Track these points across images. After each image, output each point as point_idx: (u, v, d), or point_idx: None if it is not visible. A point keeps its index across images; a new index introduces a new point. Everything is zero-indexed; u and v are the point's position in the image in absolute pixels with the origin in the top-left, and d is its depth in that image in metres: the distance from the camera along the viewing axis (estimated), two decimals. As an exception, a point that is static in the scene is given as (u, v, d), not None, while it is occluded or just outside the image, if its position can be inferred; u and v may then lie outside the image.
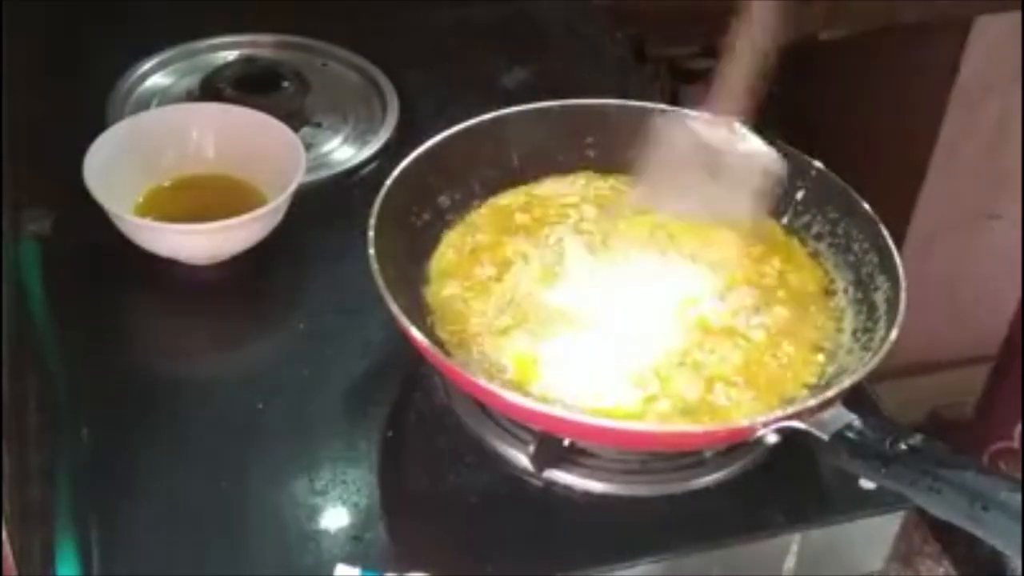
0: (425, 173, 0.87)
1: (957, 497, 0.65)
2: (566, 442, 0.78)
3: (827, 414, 0.72)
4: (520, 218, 0.90)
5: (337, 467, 0.80)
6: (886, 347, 0.76)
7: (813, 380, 0.80)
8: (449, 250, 0.88)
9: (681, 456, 0.80)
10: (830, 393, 0.73)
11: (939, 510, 0.66)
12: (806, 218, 0.90)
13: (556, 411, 0.75)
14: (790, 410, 0.73)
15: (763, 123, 0.92)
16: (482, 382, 0.75)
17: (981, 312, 1.77)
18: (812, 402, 0.73)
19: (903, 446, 0.68)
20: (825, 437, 0.71)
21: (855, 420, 0.71)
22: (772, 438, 0.72)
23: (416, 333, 0.75)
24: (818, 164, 0.90)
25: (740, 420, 0.76)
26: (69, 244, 0.93)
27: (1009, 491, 0.63)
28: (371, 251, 0.79)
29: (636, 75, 1.21)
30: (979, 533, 0.63)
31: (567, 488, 0.79)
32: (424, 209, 0.88)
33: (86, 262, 0.92)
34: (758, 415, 0.74)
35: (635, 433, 0.76)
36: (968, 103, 1.55)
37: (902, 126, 1.59)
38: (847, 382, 0.74)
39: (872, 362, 0.75)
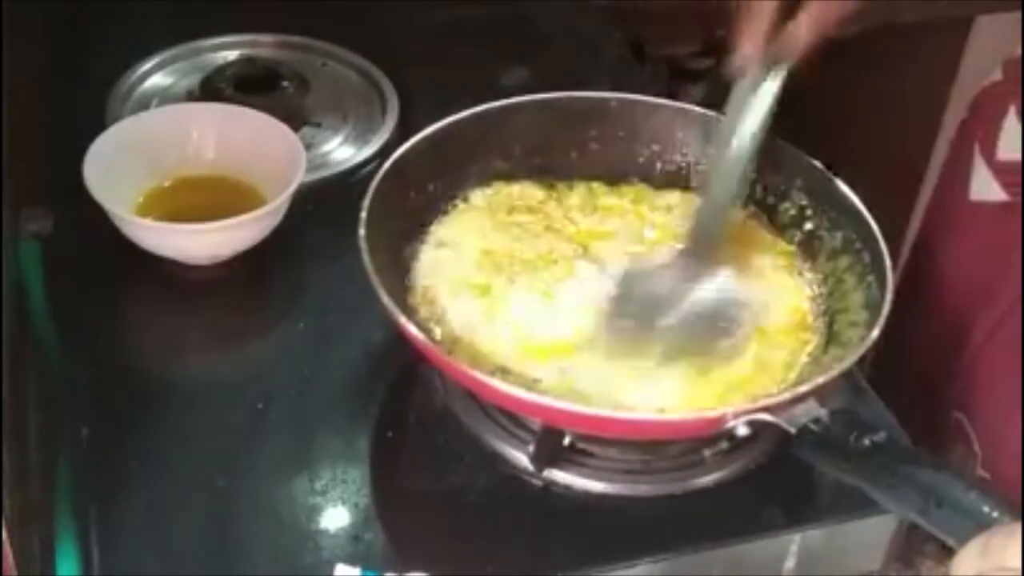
0: (422, 160, 0.87)
1: (912, 493, 0.65)
2: (566, 441, 0.78)
3: (797, 408, 0.72)
4: (517, 207, 0.91)
5: (337, 467, 0.80)
6: (865, 345, 0.76)
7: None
8: (444, 235, 0.88)
9: (681, 456, 0.80)
10: (802, 389, 0.73)
11: (895, 505, 0.67)
12: (806, 216, 0.90)
13: (532, 397, 0.74)
14: (760, 403, 0.73)
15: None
16: (470, 370, 0.75)
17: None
18: (785, 396, 0.73)
19: (867, 442, 0.69)
20: (792, 430, 0.71)
21: (824, 415, 0.71)
22: (742, 430, 0.73)
23: (410, 326, 0.76)
24: (817, 163, 0.89)
25: (709, 411, 0.76)
26: (69, 244, 0.93)
27: (963, 489, 0.63)
28: (361, 231, 0.79)
29: (636, 75, 1.21)
30: (932, 529, 0.64)
31: (567, 488, 0.79)
32: (419, 196, 0.88)
33: (86, 262, 0.93)
34: (730, 406, 0.74)
35: (604, 419, 0.75)
36: (968, 103, 1.55)
37: (902, 126, 1.59)
38: (821, 379, 0.74)
39: (849, 360, 0.75)
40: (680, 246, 0.86)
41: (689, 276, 0.84)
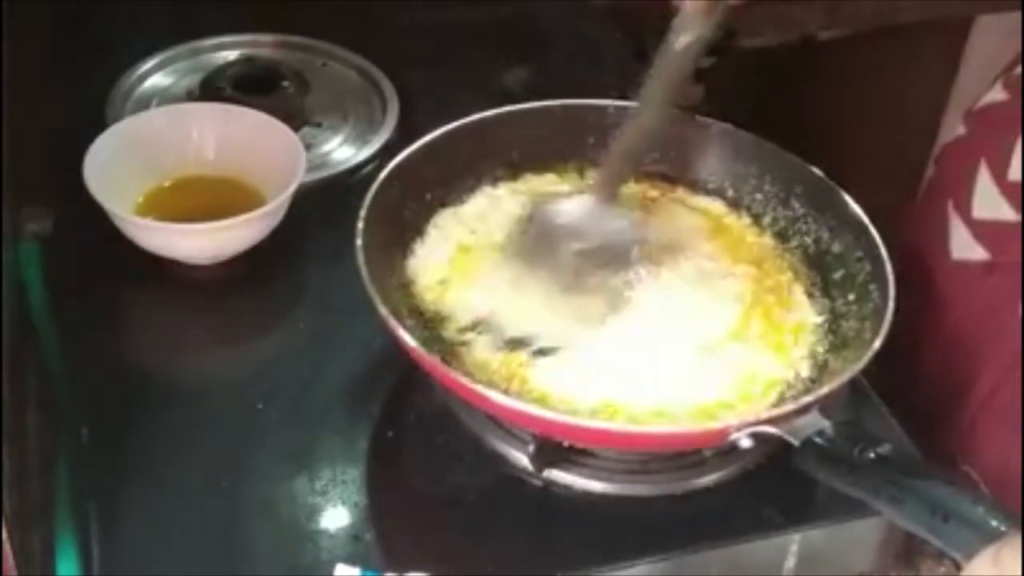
0: (421, 167, 0.87)
1: (919, 507, 0.65)
2: (566, 442, 0.78)
3: (801, 420, 0.72)
4: (514, 211, 0.90)
5: (337, 467, 0.80)
6: (868, 355, 0.76)
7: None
8: (440, 243, 0.88)
9: (681, 456, 0.80)
10: (806, 400, 0.73)
11: (901, 519, 0.67)
12: (805, 223, 0.90)
13: (527, 408, 0.74)
14: (763, 415, 0.73)
15: (763, 124, 0.92)
16: (474, 385, 0.75)
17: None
18: (788, 408, 0.73)
19: (871, 455, 0.68)
20: (796, 442, 0.71)
21: (827, 427, 0.71)
22: (746, 442, 0.72)
23: (407, 336, 0.76)
24: (818, 171, 0.89)
25: (712, 423, 0.76)
26: (69, 244, 0.93)
27: (971, 503, 0.63)
28: (358, 241, 0.79)
29: (636, 75, 1.21)
30: (939, 543, 0.64)
31: (567, 488, 0.79)
32: (418, 202, 0.88)
33: (86, 262, 0.93)
34: (733, 418, 0.74)
35: (600, 432, 0.76)
36: (968, 103, 1.55)
37: (902, 126, 1.59)
38: (824, 389, 0.74)
39: (852, 370, 0.75)
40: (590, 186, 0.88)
41: (593, 213, 0.85)
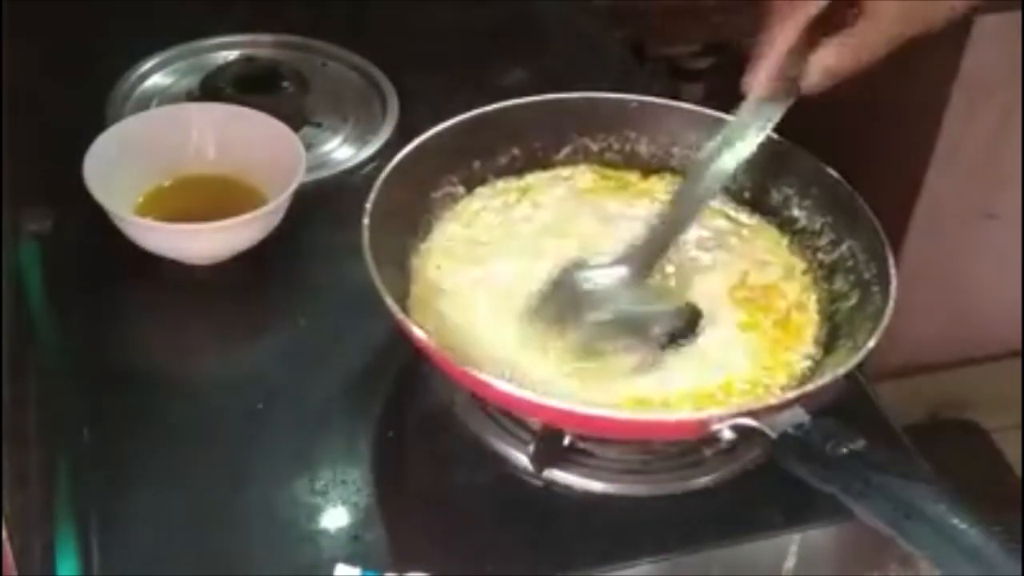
0: (428, 159, 0.87)
1: (883, 503, 0.65)
2: (566, 441, 0.78)
3: (783, 414, 0.72)
4: (519, 206, 0.91)
5: (337, 467, 0.80)
6: (860, 355, 0.76)
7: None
8: (442, 236, 0.88)
9: (681, 455, 0.80)
10: (790, 395, 0.73)
11: (866, 515, 0.67)
12: (815, 222, 0.90)
13: (527, 395, 0.74)
14: (745, 407, 0.73)
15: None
16: (478, 373, 0.75)
17: (981, 312, 1.77)
18: (771, 401, 0.73)
19: (844, 450, 0.68)
20: (773, 435, 0.71)
21: (806, 421, 0.71)
22: (727, 434, 0.72)
23: (411, 324, 0.75)
24: (831, 171, 0.89)
25: (693, 413, 0.76)
26: (69, 244, 0.93)
27: (933, 501, 0.63)
28: (365, 220, 0.79)
29: (636, 75, 1.21)
30: (901, 541, 0.64)
31: (567, 488, 0.79)
32: (424, 194, 0.88)
33: (86, 262, 0.93)
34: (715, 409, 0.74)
35: (590, 418, 0.75)
36: (968, 103, 1.55)
37: (902, 126, 1.59)
38: (810, 386, 0.74)
39: (842, 369, 0.75)
40: (622, 253, 0.84)
41: (622, 283, 0.82)
